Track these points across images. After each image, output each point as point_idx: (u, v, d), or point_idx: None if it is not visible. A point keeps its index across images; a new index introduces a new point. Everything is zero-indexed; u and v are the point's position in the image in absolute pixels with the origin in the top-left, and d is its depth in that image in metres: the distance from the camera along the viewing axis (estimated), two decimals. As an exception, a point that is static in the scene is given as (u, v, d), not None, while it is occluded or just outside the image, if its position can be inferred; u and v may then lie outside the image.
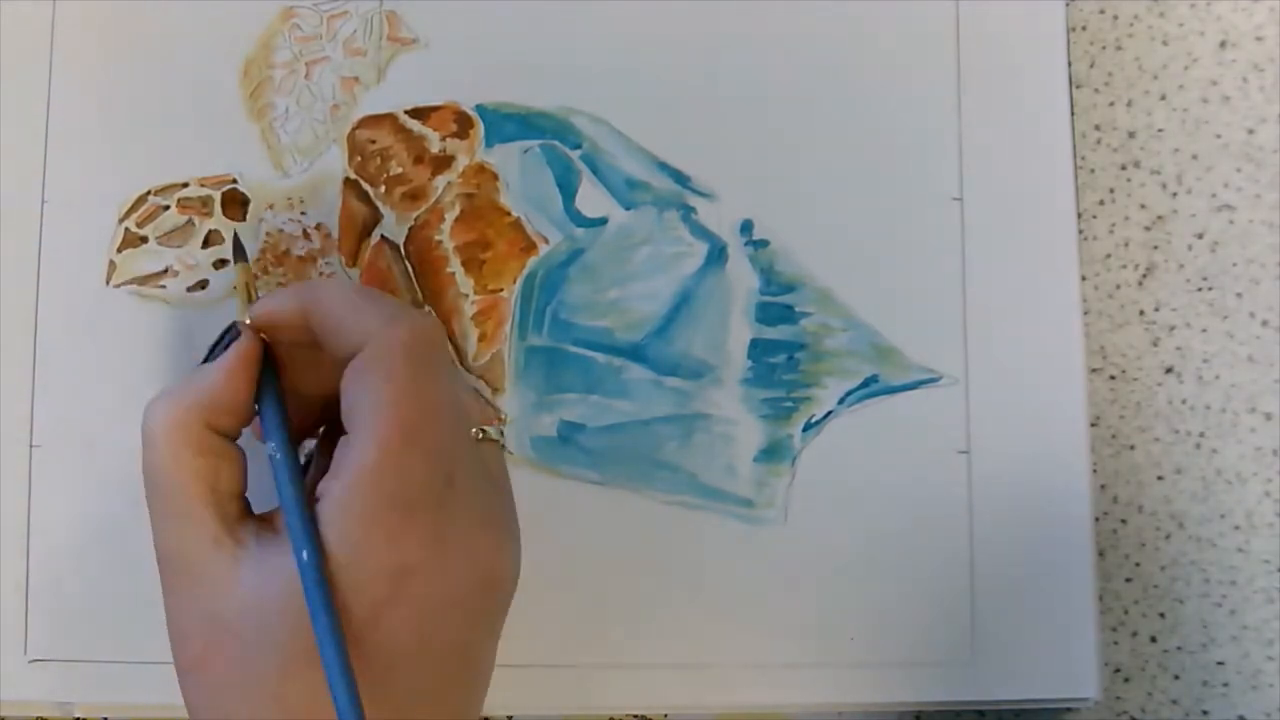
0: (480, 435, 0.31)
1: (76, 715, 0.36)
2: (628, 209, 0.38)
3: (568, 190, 0.38)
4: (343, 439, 0.30)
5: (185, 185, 0.37)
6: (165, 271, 0.37)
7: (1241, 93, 0.40)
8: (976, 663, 0.36)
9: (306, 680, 0.28)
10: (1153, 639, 0.39)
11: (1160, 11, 0.41)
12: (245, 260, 0.34)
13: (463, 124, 0.38)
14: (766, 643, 0.36)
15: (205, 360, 0.32)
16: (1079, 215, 0.39)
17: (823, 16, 0.38)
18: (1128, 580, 0.39)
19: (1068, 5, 0.39)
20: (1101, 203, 0.40)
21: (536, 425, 0.37)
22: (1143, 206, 0.40)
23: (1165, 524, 0.39)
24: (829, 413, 0.37)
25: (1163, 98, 0.40)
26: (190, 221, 0.37)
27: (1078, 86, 0.40)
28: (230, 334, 0.31)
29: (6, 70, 0.37)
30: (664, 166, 0.38)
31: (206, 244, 0.37)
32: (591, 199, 0.38)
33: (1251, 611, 0.39)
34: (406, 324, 0.30)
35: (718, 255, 0.38)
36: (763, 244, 0.38)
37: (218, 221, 0.37)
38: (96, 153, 0.37)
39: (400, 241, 0.37)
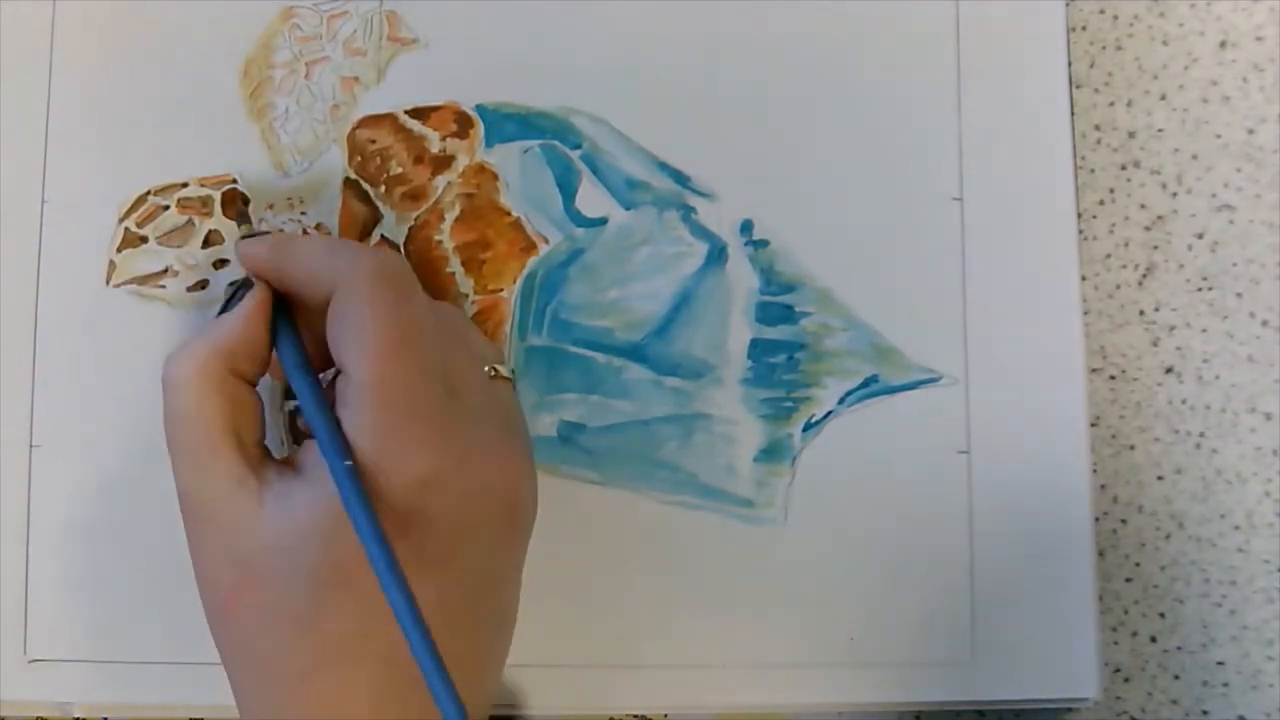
0: (493, 373, 0.33)
1: (76, 715, 0.36)
2: (628, 209, 0.38)
3: (568, 190, 0.38)
4: (340, 375, 0.30)
5: (185, 185, 0.37)
6: (165, 271, 0.37)
7: (1241, 93, 0.40)
8: (976, 663, 0.36)
9: (338, 603, 0.29)
10: (1153, 639, 0.39)
11: (1160, 11, 0.41)
12: (249, 222, 0.36)
13: (463, 124, 0.38)
14: (766, 643, 0.36)
15: (219, 314, 0.33)
16: (1079, 215, 0.39)
17: (823, 16, 0.38)
18: (1128, 580, 0.39)
19: (1068, 5, 0.39)
20: (1101, 203, 0.40)
21: (536, 425, 0.37)
22: (1143, 206, 0.40)
23: (1165, 524, 0.39)
24: (829, 413, 0.37)
25: (1163, 98, 0.40)
26: (190, 221, 0.37)
27: (1078, 86, 0.40)
28: (241, 287, 0.33)
29: (6, 70, 0.37)
30: (664, 166, 0.38)
31: (206, 244, 0.37)
32: (591, 199, 0.38)
33: (1251, 611, 0.39)
34: (371, 257, 0.31)
35: (718, 255, 0.38)
36: (763, 244, 0.38)
37: (218, 221, 0.37)
38: (96, 153, 0.37)
39: (400, 242, 0.37)
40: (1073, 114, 0.38)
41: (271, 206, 0.37)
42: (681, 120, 0.38)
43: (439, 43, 0.38)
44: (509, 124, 0.38)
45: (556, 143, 0.38)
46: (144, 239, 0.37)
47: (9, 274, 0.37)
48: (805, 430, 0.37)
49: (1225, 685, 0.38)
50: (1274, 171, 0.40)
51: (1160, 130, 0.40)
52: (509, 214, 0.37)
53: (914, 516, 0.37)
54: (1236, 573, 0.39)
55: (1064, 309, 0.38)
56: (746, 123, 0.38)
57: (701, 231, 0.38)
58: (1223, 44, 0.40)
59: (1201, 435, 0.39)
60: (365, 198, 0.37)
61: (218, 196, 0.37)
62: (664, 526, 0.37)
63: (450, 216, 0.37)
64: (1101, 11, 0.41)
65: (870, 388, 0.37)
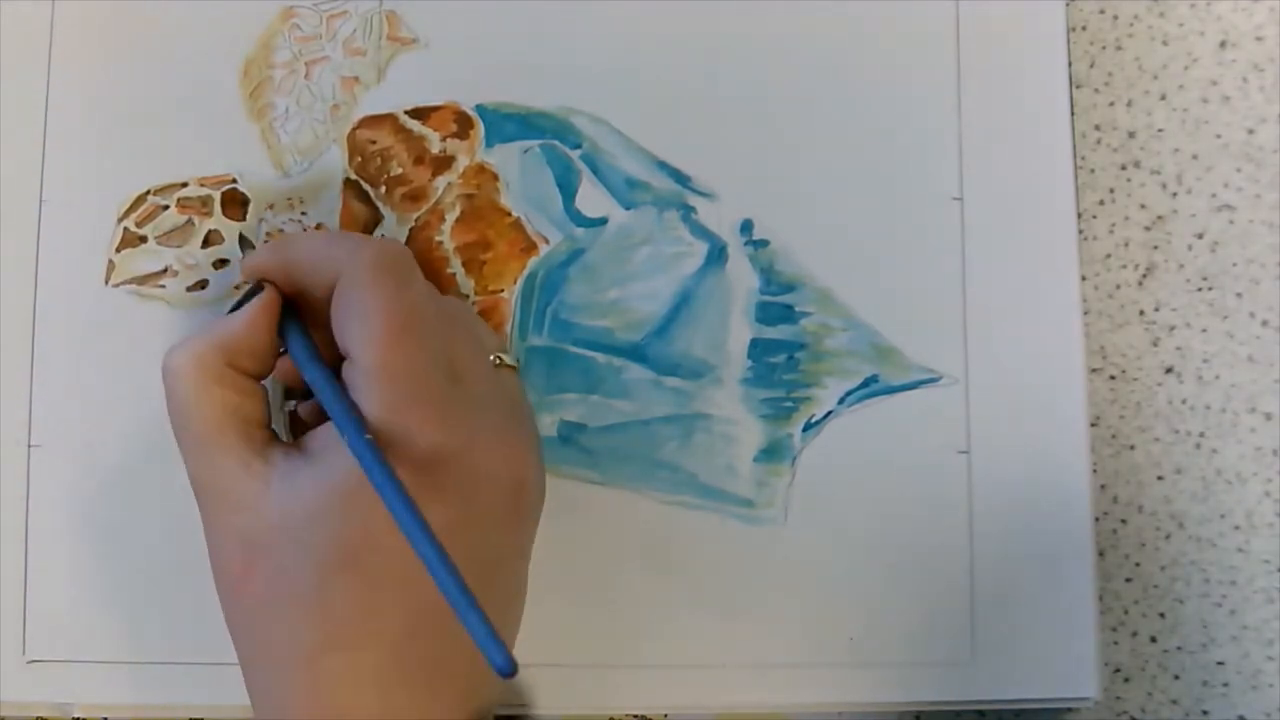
0: (498, 362, 0.33)
1: (75, 715, 0.36)
2: (628, 209, 0.38)
3: (568, 190, 0.38)
4: (345, 362, 0.31)
5: (185, 185, 0.37)
6: (165, 271, 0.37)
7: (1241, 93, 0.40)
8: (976, 663, 0.36)
9: (345, 585, 0.29)
10: (1153, 639, 0.39)
11: (1160, 11, 0.41)
12: (249, 223, 0.37)
13: (463, 124, 0.38)
14: (766, 643, 0.36)
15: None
16: (1079, 215, 0.39)
17: (823, 16, 0.38)
18: (1128, 580, 0.39)
19: (1068, 5, 0.39)
20: (1101, 203, 0.40)
21: (537, 425, 0.37)
22: (1143, 206, 0.40)
23: (1165, 524, 0.39)
24: (829, 413, 0.37)
25: (1163, 98, 0.40)
26: (190, 221, 0.37)
27: (1078, 86, 0.40)
28: (251, 291, 0.33)
29: (6, 70, 0.37)
30: (664, 166, 0.38)
31: (206, 244, 0.37)
32: (591, 199, 0.38)
33: (1251, 611, 0.39)
34: (371, 246, 0.32)
35: (718, 255, 0.38)
36: (763, 244, 0.38)
37: (217, 221, 0.37)
38: (96, 153, 0.37)
39: (404, 244, 0.37)
40: (1073, 114, 0.38)
41: (271, 206, 0.37)
42: (681, 120, 0.38)
43: (439, 43, 0.38)
44: (509, 124, 0.38)
45: (556, 143, 0.38)
46: (143, 239, 0.37)
47: (8, 274, 0.37)
48: (805, 430, 0.37)
49: (1225, 685, 0.38)
50: (1274, 171, 0.40)
51: (1160, 130, 0.40)
52: (509, 214, 0.37)
53: (914, 516, 0.37)
54: (1236, 573, 0.39)
55: (1064, 309, 0.38)
56: (746, 123, 0.38)
57: (701, 231, 0.38)
58: (1223, 44, 0.40)
59: (1201, 435, 0.39)
60: (365, 198, 0.37)
61: (218, 196, 0.37)
62: (664, 526, 0.37)
63: (451, 217, 0.37)
64: (1101, 11, 0.41)
65: (870, 388, 0.37)
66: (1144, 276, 0.40)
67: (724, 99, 0.38)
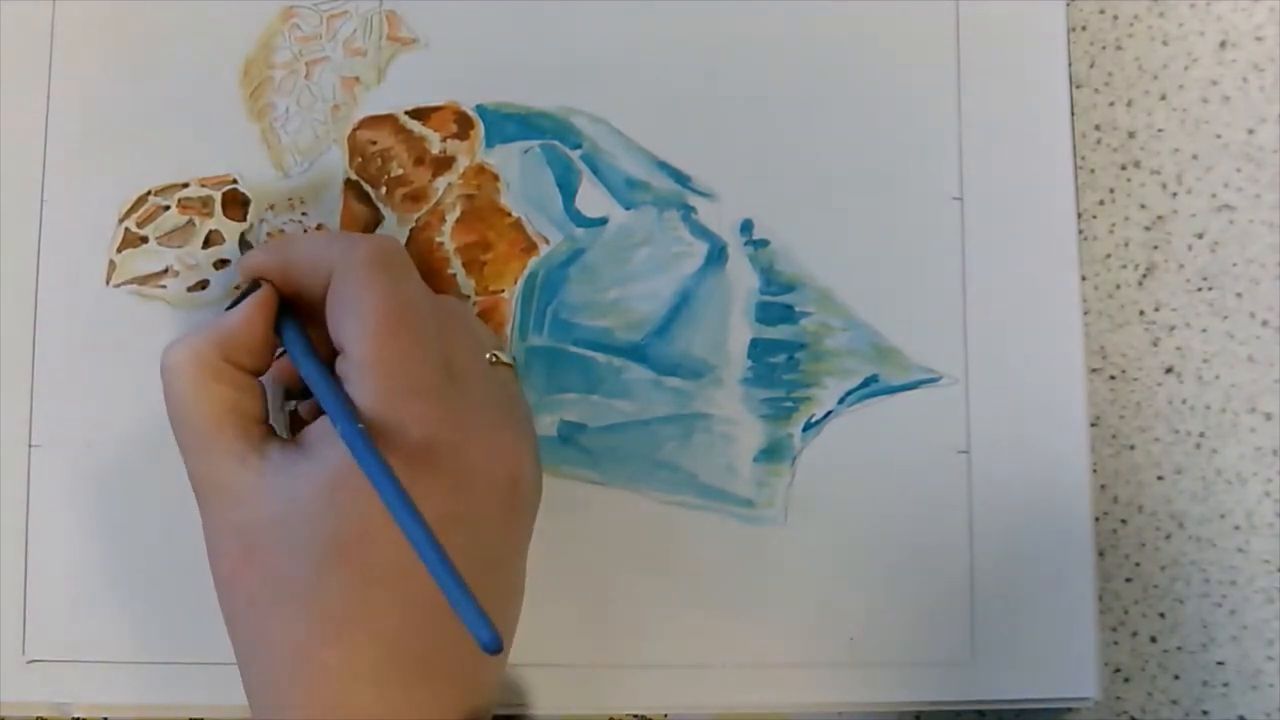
0: (494, 359, 0.33)
1: (75, 715, 0.36)
2: (628, 209, 0.38)
3: (568, 190, 0.38)
4: (340, 357, 0.31)
5: (185, 185, 0.37)
6: (165, 271, 0.37)
7: (1241, 93, 0.40)
8: (976, 663, 0.36)
9: (338, 577, 0.29)
10: (1153, 639, 0.39)
11: (1160, 11, 0.41)
12: (249, 223, 0.37)
13: (463, 124, 0.38)
14: (766, 643, 0.36)
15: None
16: (1079, 215, 0.39)
17: (823, 16, 0.38)
18: (1128, 580, 0.39)
19: (1068, 5, 0.39)
20: (1101, 203, 0.40)
21: (537, 425, 0.37)
22: (1143, 206, 0.40)
23: (1165, 524, 0.39)
24: (829, 413, 0.37)
25: (1163, 98, 0.40)
26: (190, 222, 0.37)
27: (1078, 86, 0.40)
28: (250, 289, 0.33)
29: (7, 70, 0.37)
30: (664, 166, 0.38)
31: (207, 244, 0.37)
32: (591, 199, 0.38)
33: (1251, 611, 0.39)
34: (366, 243, 0.32)
35: (718, 255, 0.38)
36: (763, 244, 0.38)
37: (218, 222, 0.37)
38: (96, 153, 0.37)
39: (401, 243, 0.37)
40: (1073, 114, 0.38)
41: (272, 207, 0.37)
42: (681, 120, 0.38)
43: (439, 43, 0.38)
44: (509, 124, 0.38)
45: (556, 143, 0.38)
46: (144, 239, 0.37)
47: (9, 274, 0.37)
48: (805, 430, 0.37)
49: (1225, 685, 0.38)
50: (1274, 171, 0.40)
51: (1160, 130, 0.40)
52: (509, 215, 0.37)
53: (914, 516, 0.37)
54: (1236, 573, 0.39)
55: (1064, 309, 0.38)
56: (746, 123, 0.38)
57: (701, 231, 0.38)
58: (1223, 44, 0.40)
59: (1201, 435, 0.39)
60: (366, 199, 0.37)
61: (218, 197, 0.37)
62: (664, 526, 0.37)
63: (451, 218, 0.37)
64: (1101, 11, 0.41)
65: (870, 388, 0.37)
66: (1144, 276, 0.40)
67: (724, 99, 0.38)
